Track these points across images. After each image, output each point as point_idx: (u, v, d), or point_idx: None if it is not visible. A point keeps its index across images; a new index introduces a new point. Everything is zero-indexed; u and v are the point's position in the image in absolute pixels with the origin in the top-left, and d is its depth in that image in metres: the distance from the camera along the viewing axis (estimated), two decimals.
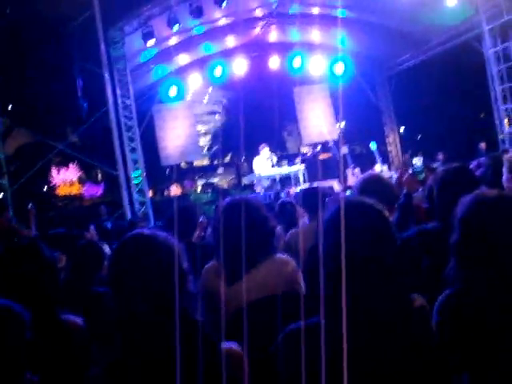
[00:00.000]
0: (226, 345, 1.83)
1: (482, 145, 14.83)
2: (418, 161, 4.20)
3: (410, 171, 3.66)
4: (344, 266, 1.68)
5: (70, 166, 27.01)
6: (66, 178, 27.23)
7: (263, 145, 13.31)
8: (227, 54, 17.36)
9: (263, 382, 1.98)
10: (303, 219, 4.72)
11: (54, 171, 26.73)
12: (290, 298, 2.33)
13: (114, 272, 1.78)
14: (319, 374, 1.59)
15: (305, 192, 4.68)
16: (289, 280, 2.75)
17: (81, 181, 29.72)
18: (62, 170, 27.12)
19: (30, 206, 6.10)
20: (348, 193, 7.52)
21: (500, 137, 14.44)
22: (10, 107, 12.63)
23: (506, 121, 14.14)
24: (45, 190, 27.08)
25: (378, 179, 3.13)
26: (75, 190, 28.14)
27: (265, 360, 1.89)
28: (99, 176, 31.54)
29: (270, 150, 13.38)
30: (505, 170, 3.60)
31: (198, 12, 12.12)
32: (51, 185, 27.08)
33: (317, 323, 1.74)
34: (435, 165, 12.60)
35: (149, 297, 1.70)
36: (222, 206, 2.84)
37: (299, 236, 4.09)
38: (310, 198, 4.09)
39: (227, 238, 2.60)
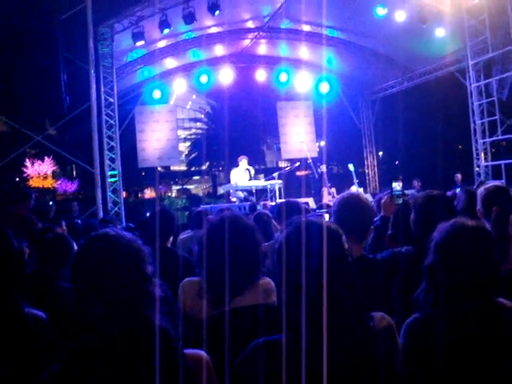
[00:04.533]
0: (191, 351, 1.80)
1: (458, 176, 15.04)
2: (397, 185, 4.23)
3: (389, 195, 3.68)
4: (304, 286, 1.68)
5: (46, 159, 26.77)
6: (40, 171, 26.95)
7: (242, 157, 13.31)
8: (214, 62, 17.40)
9: None
10: (278, 233, 4.70)
11: (28, 163, 26.44)
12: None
13: (75, 270, 1.73)
14: None
15: (282, 205, 4.66)
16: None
17: (55, 175, 29.46)
18: (37, 163, 26.84)
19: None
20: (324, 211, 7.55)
21: (476, 169, 14.65)
22: None
23: (482, 154, 14.36)
24: (17, 180, 26.76)
25: (357, 199, 3.12)
26: (48, 183, 27.87)
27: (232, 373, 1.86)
28: (74, 172, 31.30)
29: (249, 163, 13.37)
30: (478, 202, 3.66)
31: (190, 18, 12.11)
32: (24, 175, 26.76)
33: (278, 340, 1.73)
34: (410, 191, 12.71)
35: (106, 298, 1.65)
36: (212, 221, 2.65)
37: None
38: (288, 212, 4.07)
39: (215, 260, 2.46)
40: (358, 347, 1.74)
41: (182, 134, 32.14)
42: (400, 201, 3.94)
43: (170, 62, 16.86)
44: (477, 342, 1.95)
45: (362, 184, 16.42)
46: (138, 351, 1.63)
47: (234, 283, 2.43)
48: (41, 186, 27.01)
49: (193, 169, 36.20)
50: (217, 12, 12.12)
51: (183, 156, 33.48)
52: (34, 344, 2.19)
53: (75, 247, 3.94)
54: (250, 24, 15.69)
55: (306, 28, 16.02)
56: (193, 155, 34.73)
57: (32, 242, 4.18)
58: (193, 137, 35.01)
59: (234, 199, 13.12)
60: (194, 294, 2.57)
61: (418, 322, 2.08)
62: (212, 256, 2.49)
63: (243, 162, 13.15)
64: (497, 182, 8.09)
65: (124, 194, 17.07)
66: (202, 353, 1.81)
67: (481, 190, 3.67)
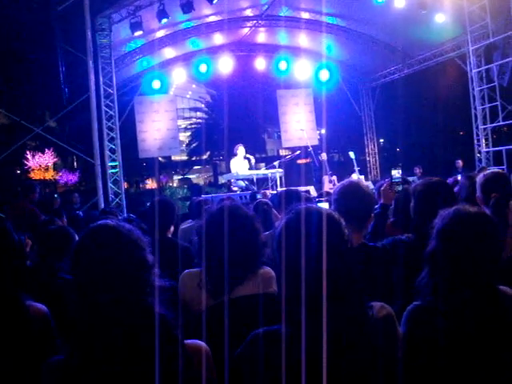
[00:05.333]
0: (191, 342, 1.80)
1: (459, 162, 15.02)
2: (397, 172, 4.22)
3: (389, 182, 3.68)
4: (304, 274, 1.68)
5: (46, 151, 26.78)
6: (41, 163, 26.97)
7: (238, 145, 13.21)
8: (213, 51, 17.33)
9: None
10: (278, 222, 4.67)
11: (29, 155, 26.46)
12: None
13: (76, 261, 1.75)
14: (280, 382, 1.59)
15: (282, 194, 4.65)
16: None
17: (56, 167, 29.47)
18: (38, 155, 26.85)
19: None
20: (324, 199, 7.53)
21: (477, 156, 14.62)
22: None
23: (483, 140, 14.32)
24: (18, 172, 26.80)
25: (357, 186, 3.11)
26: (50, 175, 27.90)
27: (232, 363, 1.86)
28: (75, 164, 31.31)
29: (246, 150, 13.28)
30: (477, 189, 3.66)
31: (188, 6, 12.04)
32: (25, 168, 26.80)
33: (278, 330, 1.73)
34: (412, 178, 12.69)
35: (108, 288, 1.66)
36: (211, 211, 2.64)
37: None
38: (288, 201, 4.06)
39: (214, 250, 2.47)
40: (357, 337, 1.74)
41: (182, 123, 32.10)
42: (400, 188, 3.94)
43: (169, 52, 16.77)
44: (478, 330, 1.95)
45: (362, 172, 16.40)
46: (139, 339, 1.64)
47: (234, 273, 2.42)
48: (42, 178, 27.04)
49: (193, 158, 36.13)
50: (215, 0, 12.05)
51: (184, 146, 33.43)
52: (34, 337, 2.19)
53: (77, 239, 3.93)
54: (249, 12, 15.58)
55: (305, 15, 15.92)
56: (193, 145, 34.68)
57: (34, 234, 4.19)
58: (193, 126, 34.93)
59: (235, 188, 13.09)
60: (194, 286, 2.56)
61: (418, 309, 2.08)
62: (211, 246, 2.49)
63: (240, 149, 13.07)
64: (495, 169, 8.08)
65: (125, 185, 17.07)
66: (202, 343, 1.82)
67: (480, 177, 3.66)
